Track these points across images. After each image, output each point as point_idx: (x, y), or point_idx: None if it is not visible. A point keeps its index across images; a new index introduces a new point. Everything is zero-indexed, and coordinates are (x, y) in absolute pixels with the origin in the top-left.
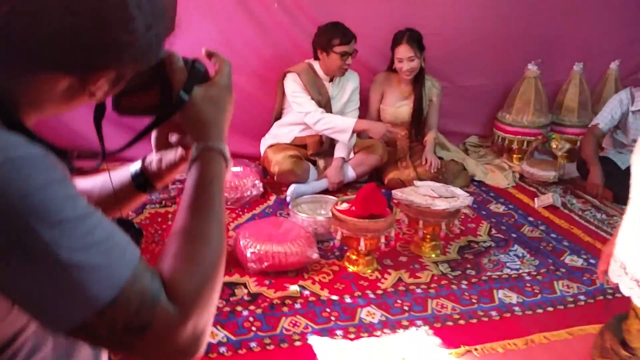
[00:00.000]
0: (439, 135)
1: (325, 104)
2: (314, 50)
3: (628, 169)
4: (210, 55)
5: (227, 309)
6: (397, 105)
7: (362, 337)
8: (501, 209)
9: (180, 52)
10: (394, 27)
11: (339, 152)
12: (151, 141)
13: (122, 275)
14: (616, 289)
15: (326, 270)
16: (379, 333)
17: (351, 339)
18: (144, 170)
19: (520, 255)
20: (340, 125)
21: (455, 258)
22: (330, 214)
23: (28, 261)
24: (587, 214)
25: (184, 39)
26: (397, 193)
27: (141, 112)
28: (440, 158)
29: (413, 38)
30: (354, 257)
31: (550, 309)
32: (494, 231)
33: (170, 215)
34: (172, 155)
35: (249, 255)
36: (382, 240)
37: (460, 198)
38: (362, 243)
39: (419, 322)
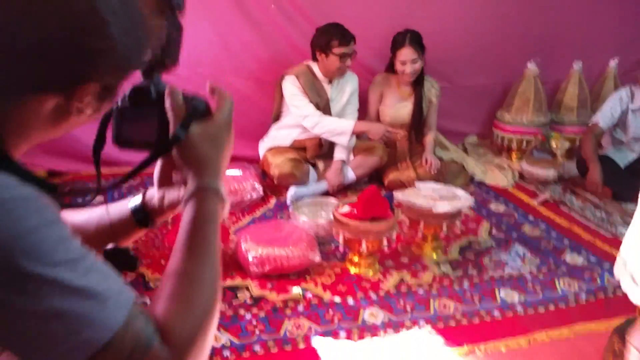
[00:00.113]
0: (439, 135)
1: (324, 106)
2: (312, 51)
3: (627, 167)
4: (213, 90)
5: (230, 312)
6: (396, 107)
7: (365, 338)
8: (501, 208)
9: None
10: (392, 28)
11: (339, 154)
12: (153, 177)
13: (115, 319)
14: (616, 286)
15: (328, 272)
16: (382, 334)
17: (354, 340)
18: (144, 205)
19: (521, 254)
20: (339, 127)
21: (457, 258)
22: (331, 217)
23: (19, 305)
24: (586, 212)
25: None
26: (398, 195)
27: (140, 146)
28: (440, 158)
29: (415, 40)
30: (355, 259)
31: (552, 307)
32: (494, 231)
33: (170, 219)
34: (175, 193)
35: (250, 258)
36: (384, 242)
37: (461, 199)
38: (364, 245)
39: (421, 322)
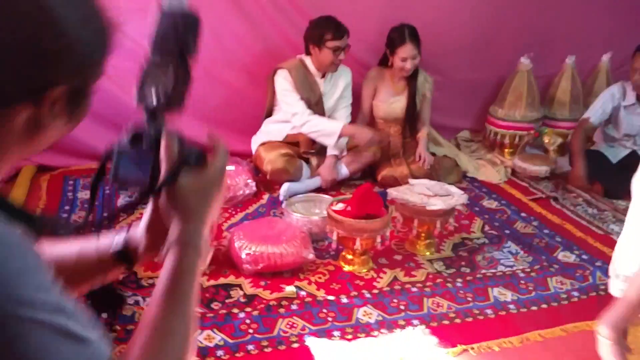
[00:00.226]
0: (432, 130)
1: (317, 101)
2: (305, 45)
3: (619, 163)
4: (211, 139)
5: (223, 311)
6: (390, 101)
7: (359, 337)
8: (494, 204)
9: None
10: (385, 21)
11: (332, 149)
12: (142, 220)
13: None
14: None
15: (322, 270)
16: (376, 333)
17: (349, 340)
18: (127, 244)
19: (514, 252)
20: (327, 128)
21: (450, 256)
22: (324, 213)
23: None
24: (578, 208)
25: None
26: (392, 192)
27: (132, 188)
28: (433, 154)
29: (414, 35)
30: (349, 256)
31: (544, 306)
32: (487, 228)
33: None
34: (160, 239)
35: (244, 256)
36: (378, 239)
37: (455, 196)
38: (357, 243)
39: (415, 322)
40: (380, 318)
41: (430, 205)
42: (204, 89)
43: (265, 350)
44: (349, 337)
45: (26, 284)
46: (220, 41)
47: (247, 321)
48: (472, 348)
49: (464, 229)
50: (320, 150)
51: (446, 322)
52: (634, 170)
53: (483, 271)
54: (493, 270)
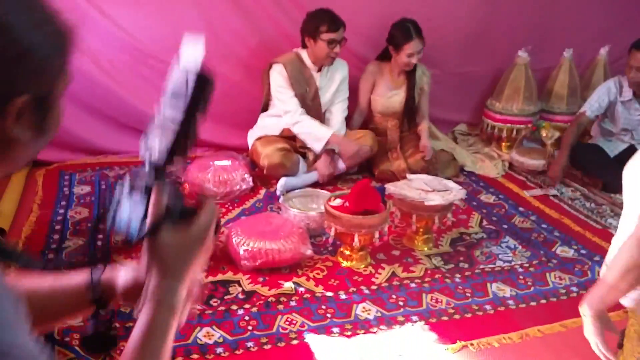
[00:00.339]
0: (430, 124)
1: (313, 95)
2: (301, 38)
3: (616, 157)
4: (202, 196)
5: (222, 308)
6: (388, 95)
7: (358, 334)
8: (491, 199)
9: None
10: (383, 14)
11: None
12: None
13: None
14: None
15: (320, 266)
16: (375, 330)
17: (348, 336)
18: (104, 285)
19: (512, 246)
20: (317, 133)
21: (448, 251)
22: (322, 209)
23: None
24: (576, 202)
25: (167, 26)
26: (390, 187)
27: (122, 235)
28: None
29: (419, 30)
30: (347, 252)
31: (543, 301)
32: (485, 222)
33: None
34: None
35: (242, 252)
36: (376, 235)
37: (453, 191)
38: (356, 239)
39: (414, 318)
40: (379, 314)
41: (428, 201)
42: None
43: (265, 347)
44: (348, 333)
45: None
46: (216, 34)
47: (246, 318)
48: (472, 344)
49: (462, 224)
50: None
51: (445, 318)
52: None
53: (481, 266)
54: (491, 266)
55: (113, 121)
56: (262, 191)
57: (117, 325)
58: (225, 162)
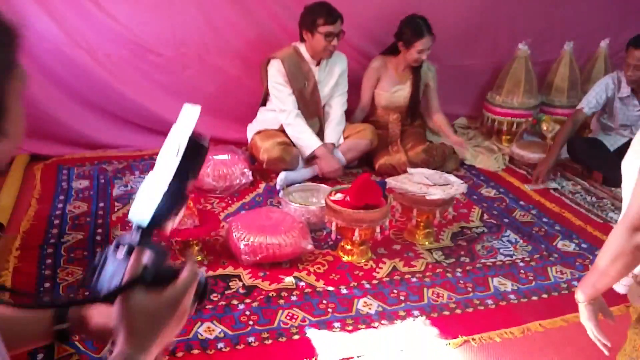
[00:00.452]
0: (429, 120)
1: (312, 89)
2: (299, 31)
3: (617, 151)
4: (184, 261)
5: (222, 302)
6: (393, 90)
7: (360, 328)
8: (492, 192)
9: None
10: (382, 8)
11: (329, 137)
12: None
13: None
14: None
15: (320, 260)
16: (376, 324)
17: (349, 331)
18: (72, 320)
19: (513, 240)
20: (305, 141)
21: (449, 245)
22: (322, 203)
23: None
24: (577, 196)
25: (165, 20)
26: (391, 181)
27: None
28: (430, 141)
29: (429, 26)
30: (348, 246)
31: (544, 296)
32: (486, 216)
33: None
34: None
35: (242, 247)
36: (377, 230)
37: (454, 185)
38: (356, 233)
39: (415, 312)
40: (380, 309)
41: (429, 195)
42: (198, 77)
43: (266, 342)
44: (350, 328)
45: None
46: (215, 28)
47: (247, 313)
48: (473, 339)
49: (463, 218)
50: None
51: (447, 312)
52: None
53: (483, 261)
54: (493, 260)
55: (111, 115)
56: (262, 185)
57: None
58: (225, 156)
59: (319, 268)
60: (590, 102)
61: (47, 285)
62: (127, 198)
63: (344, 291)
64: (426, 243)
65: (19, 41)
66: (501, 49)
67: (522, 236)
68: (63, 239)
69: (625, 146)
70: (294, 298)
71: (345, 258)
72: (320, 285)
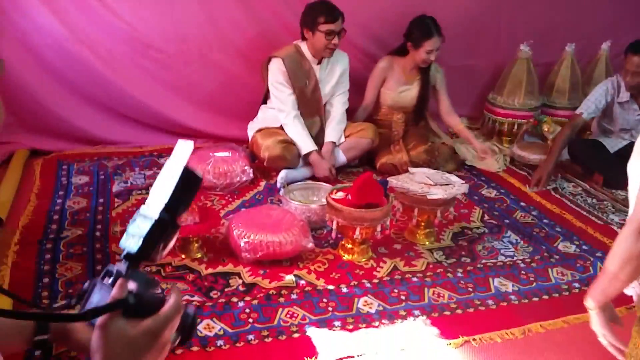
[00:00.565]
0: (430, 121)
1: (313, 88)
2: (301, 29)
3: (617, 153)
4: (170, 291)
5: (222, 300)
6: (399, 90)
7: (360, 327)
8: (493, 193)
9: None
10: (384, 7)
11: (330, 136)
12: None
13: None
14: None
15: (321, 259)
16: (377, 324)
17: (349, 330)
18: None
19: (514, 241)
20: (300, 143)
21: (450, 245)
22: (323, 201)
23: None
24: (577, 198)
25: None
26: (392, 181)
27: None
28: (432, 142)
29: (438, 26)
30: (349, 245)
31: (545, 297)
32: (486, 217)
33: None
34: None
35: (242, 244)
36: (378, 229)
37: (455, 185)
38: (357, 232)
39: (416, 312)
40: (381, 308)
41: (431, 195)
42: (199, 74)
43: (266, 340)
44: (350, 327)
45: None
46: (216, 24)
47: (247, 310)
48: (474, 339)
49: (464, 218)
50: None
51: (447, 312)
52: None
53: (483, 261)
54: (493, 260)
55: (111, 111)
56: (262, 183)
57: None
58: (226, 154)
59: (319, 266)
60: (589, 107)
61: (45, 280)
62: (127, 194)
63: (345, 290)
64: (427, 243)
65: None
66: (503, 50)
67: (522, 237)
68: (62, 235)
69: (626, 148)
70: (294, 296)
71: (346, 257)
72: (320, 283)
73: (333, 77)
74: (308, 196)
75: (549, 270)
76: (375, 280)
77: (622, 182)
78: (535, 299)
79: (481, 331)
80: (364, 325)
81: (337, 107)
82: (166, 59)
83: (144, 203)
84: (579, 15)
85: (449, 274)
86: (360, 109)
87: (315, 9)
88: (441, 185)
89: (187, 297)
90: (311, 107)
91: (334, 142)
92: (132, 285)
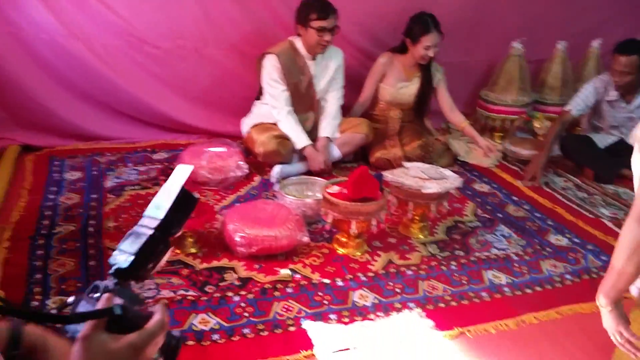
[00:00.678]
0: (426, 119)
1: (307, 83)
2: (295, 25)
3: (607, 148)
4: (157, 308)
5: (217, 294)
6: (398, 87)
7: (356, 320)
8: (485, 188)
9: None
10: (379, 4)
11: (324, 131)
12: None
13: None
14: (600, 268)
15: (316, 253)
16: (372, 316)
17: (345, 323)
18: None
19: (507, 235)
20: (294, 138)
21: (444, 239)
22: (317, 196)
23: None
24: (568, 192)
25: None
26: (387, 175)
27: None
28: (426, 138)
29: (437, 23)
30: (343, 239)
31: (538, 289)
32: (479, 211)
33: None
34: None
35: (237, 239)
36: (373, 222)
37: (449, 179)
38: (353, 226)
39: (411, 305)
40: (376, 301)
41: (425, 189)
42: (194, 69)
43: (262, 334)
44: (346, 320)
45: None
46: (211, 20)
47: (242, 304)
48: (469, 331)
49: (457, 212)
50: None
51: (442, 305)
52: (622, 156)
53: (477, 254)
54: (487, 254)
55: (105, 107)
56: (257, 178)
57: None
58: (220, 149)
59: (314, 260)
60: (578, 104)
61: (38, 276)
62: (120, 190)
63: (340, 283)
64: (421, 236)
65: None
66: (495, 47)
67: (515, 230)
68: (54, 230)
69: (615, 144)
70: (289, 290)
71: (341, 251)
72: (315, 277)
73: (327, 73)
74: (302, 191)
75: (541, 262)
76: (371, 274)
77: (611, 176)
78: (528, 290)
79: (476, 323)
80: (360, 318)
81: (332, 103)
82: (161, 55)
83: (137, 202)
84: (571, 14)
85: (443, 267)
86: (357, 104)
87: (309, 6)
88: (435, 179)
89: (181, 291)
90: (305, 103)
91: (329, 137)
92: (118, 301)
